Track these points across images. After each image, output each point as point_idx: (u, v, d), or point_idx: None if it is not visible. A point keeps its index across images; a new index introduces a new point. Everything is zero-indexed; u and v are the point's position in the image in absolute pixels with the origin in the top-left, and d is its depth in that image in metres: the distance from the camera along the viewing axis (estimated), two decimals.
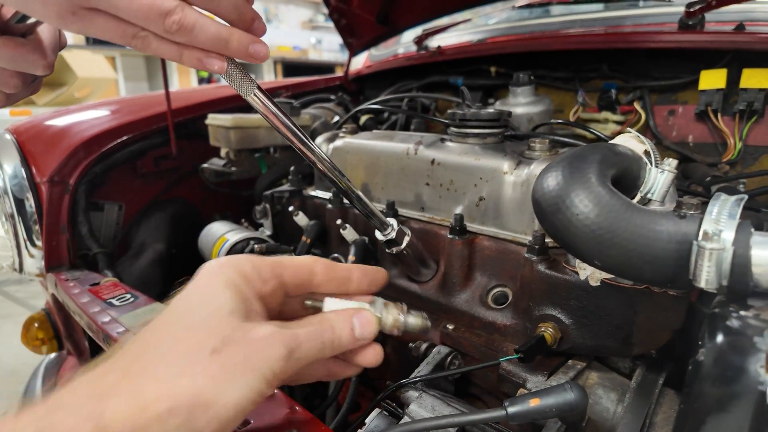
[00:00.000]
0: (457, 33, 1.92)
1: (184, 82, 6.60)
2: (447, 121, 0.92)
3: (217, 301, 0.40)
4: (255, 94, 0.55)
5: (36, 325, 1.40)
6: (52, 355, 1.61)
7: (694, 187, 0.97)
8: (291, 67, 8.34)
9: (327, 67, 8.92)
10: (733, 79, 1.15)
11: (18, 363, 2.54)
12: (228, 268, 0.42)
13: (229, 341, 0.37)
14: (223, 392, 0.36)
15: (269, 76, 7.82)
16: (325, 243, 1.07)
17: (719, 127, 1.16)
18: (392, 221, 0.80)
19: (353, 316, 0.47)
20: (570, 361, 0.73)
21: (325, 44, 9.09)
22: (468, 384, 0.81)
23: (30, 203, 1.18)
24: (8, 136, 1.25)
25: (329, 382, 0.98)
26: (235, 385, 0.36)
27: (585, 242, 0.46)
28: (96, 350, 1.19)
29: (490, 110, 0.88)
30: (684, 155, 1.20)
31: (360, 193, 0.72)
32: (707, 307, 0.80)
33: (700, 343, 0.42)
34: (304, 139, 0.62)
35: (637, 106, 1.30)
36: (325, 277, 0.49)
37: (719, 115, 1.16)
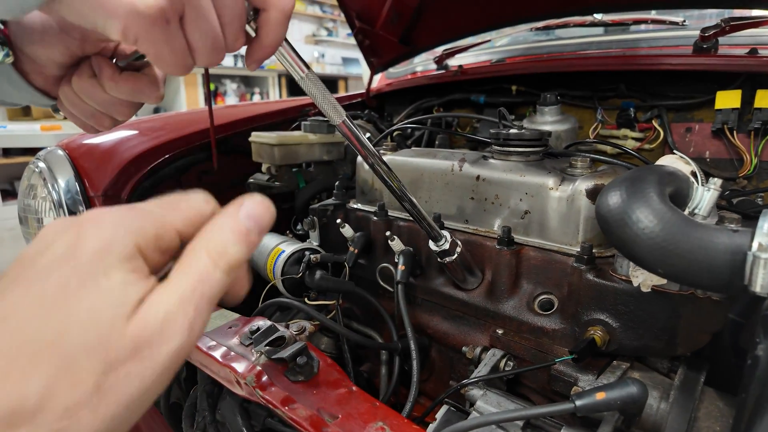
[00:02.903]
0: (475, 52, 2.01)
1: (191, 94, 6.69)
2: (490, 140, 0.99)
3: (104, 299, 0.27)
4: (344, 121, 0.64)
5: None
6: None
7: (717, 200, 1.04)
8: (295, 81, 8.45)
9: (330, 81, 9.04)
10: (747, 99, 1.23)
11: None
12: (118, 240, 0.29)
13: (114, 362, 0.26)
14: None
15: (274, 90, 7.93)
16: (369, 253, 1.13)
17: (735, 144, 1.24)
18: (445, 233, 0.87)
19: (236, 209, 0.34)
20: (615, 361, 0.80)
21: (327, 58, 9.23)
22: (517, 384, 0.87)
23: None
24: (61, 152, 1.32)
25: (378, 386, 1.04)
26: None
27: (650, 253, 0.53)
28: None
29: (533, 130, 0.95)
30: (704, 171, 1.28)
31: (421, 208, 0.79)
32: (733, 313, 0.87)
33: (757, 340, 0.49)
34: (381, 159, 0.70)
35: (655, 123, 1.38)
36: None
37: (735, 132, 1.24)
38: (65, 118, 0.63)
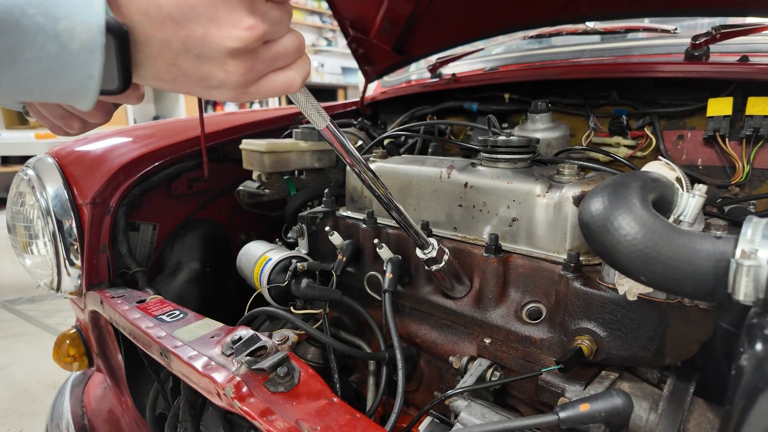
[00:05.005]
0: (469, 61, 2.01)
1: (190, 102, 6.72)
2: (478, 147, 0.99)
3: None
4: (328, 126, 0.64)
5: (67, 342, 1.43)
6: (77, 372, 1.63)
7: (709, 208, 1.03)
8: None
9: (329, 89, 9.12)
10: (739, 107, 1.22)
11: (31, 382, 2.55)
12: None
13: None
14: None
15: (274, 99, 7.96)
16: (358, 261, 1.12)
17: (727, 151, 1.23)
18: (433, 241, 0.85)
19: None
20: (603, 371, 0.78)
21: (327, 67, 9.30)
22: (506, 395, 0.86)
23: (70, 224, 1.23)
24: (50, 160, 1.31)
25: (366, 396, 1.02)
26: None
27: (633, 260, 0.52)
28: (131, 366, 1.23)
29: (520, 137, 0.95)
30: (694, 178, 1.27)
31: (407, 215, 0.78)
32: (725, 322, 0.86)
33: (741, 350, 0.47)
34: (366, 166, 0.69)
35: (647, 131, 1.38)
36: None
37: (727, 140, 1.23)
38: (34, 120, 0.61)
